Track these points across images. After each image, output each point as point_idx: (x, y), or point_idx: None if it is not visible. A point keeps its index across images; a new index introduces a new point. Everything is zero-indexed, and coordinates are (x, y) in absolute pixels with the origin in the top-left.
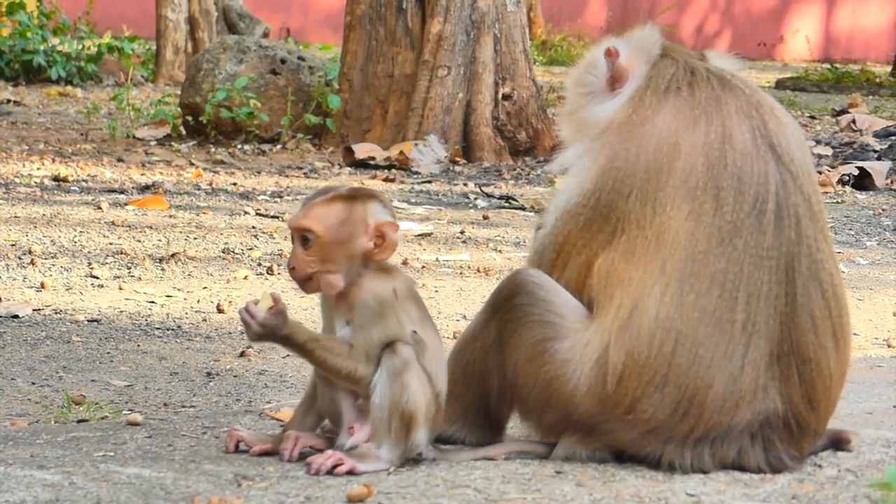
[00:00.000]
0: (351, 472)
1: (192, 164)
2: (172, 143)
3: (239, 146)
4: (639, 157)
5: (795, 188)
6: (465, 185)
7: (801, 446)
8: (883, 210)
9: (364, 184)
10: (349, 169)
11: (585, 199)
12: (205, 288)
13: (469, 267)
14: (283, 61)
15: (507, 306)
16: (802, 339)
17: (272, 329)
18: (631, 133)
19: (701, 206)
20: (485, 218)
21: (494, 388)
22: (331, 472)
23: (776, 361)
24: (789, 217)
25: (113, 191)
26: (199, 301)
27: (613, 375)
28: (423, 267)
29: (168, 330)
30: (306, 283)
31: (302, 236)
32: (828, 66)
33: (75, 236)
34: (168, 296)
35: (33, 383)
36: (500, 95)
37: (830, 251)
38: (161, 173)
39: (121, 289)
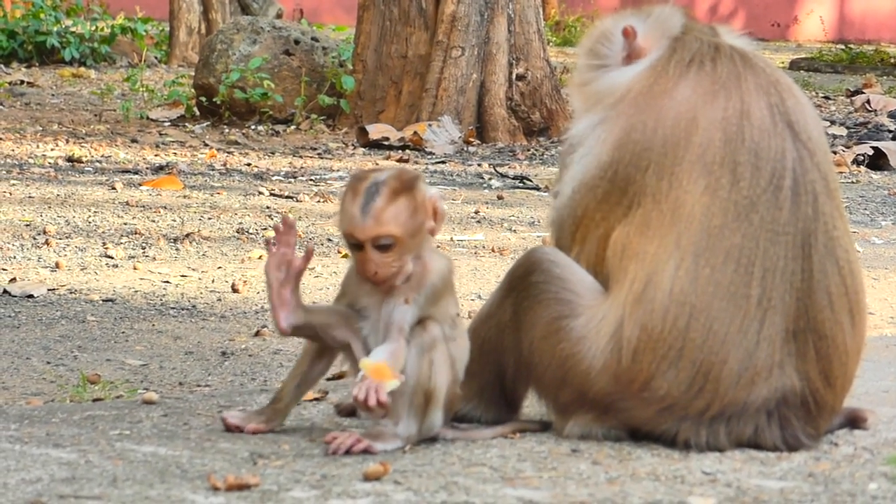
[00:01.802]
0: (367, 452)
1: (205, 144)
2: (186, 124)
3: (253, 127)
4: (656, 131)
5: (812, 165)
6: (479, 165)
7: (818, 424)
8: None
9: (378, 164)
10: (363, 149)
11: (602, 171)
12: (219, 268)
13: (484, 247)
14: (296, 42)
15: (523, 284)
16: (819, 315)
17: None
18: (648, 105)
19: (717, 181)
20: (499, 198)
21: (510, 367)
22: (348, 451)
23: (792, 338)
24: (806, 193)
25: (127, 171)
26: (213, 281)
27: (628, 350)
28: (438, 247)
29: (183, 310)
30: (387, 282)
31: (380, 243)
32: (842, 46)
33: (90, 216)
34: (183, 276)
35: (48, 362)
36: (514, 76)
37: (845, 228)
38: (175, 154)
39: (135, 269)
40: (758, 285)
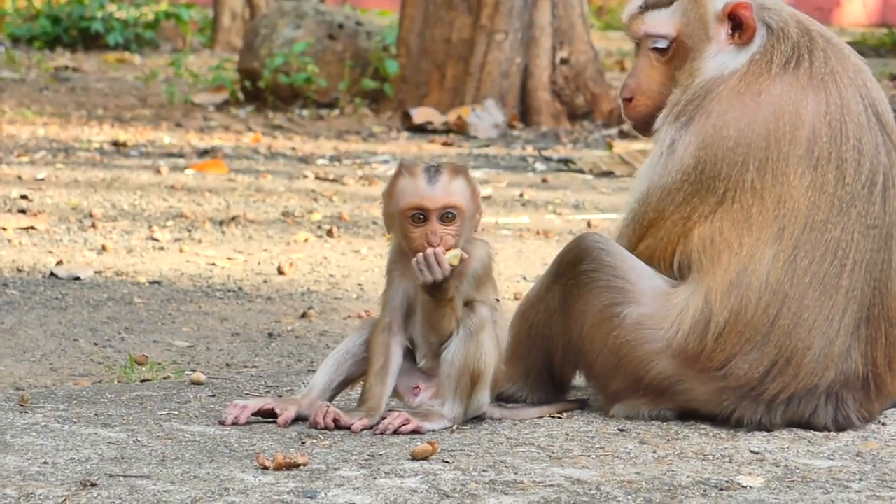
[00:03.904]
0: (416, 432)
1: (250, 128)
2: (230, 109)
3: (297, 111)
4: (752, 126)
5: None
6: (523, 148)
7: (874, 406)
8: None
9: (422, 148)
10: (407, 133)
11: (685, 174)
12: (265, 250)
13: (528, 229)
14: (340, 26)
15: (573, 272)
16: (893, 304)
17: (444, 279)
18: (741, 101)
19: (824, 177)
20: (543, 181)
21: (558, 351)
22: (397, 431)
23: (864, 324)
24: (894, 187)
25: (172, 155)
26: (259, 263)
27: (714, 332)
28: (483, 230)
29: (229, 291)
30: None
31: (446, 213)
32: (885, 30)
33: (135, 200)
34: (229, 258)
35: (96, 344)
36: (557, 60)
37: None
38: (220, 138)
39: (181, 251)
40: (848, 277)
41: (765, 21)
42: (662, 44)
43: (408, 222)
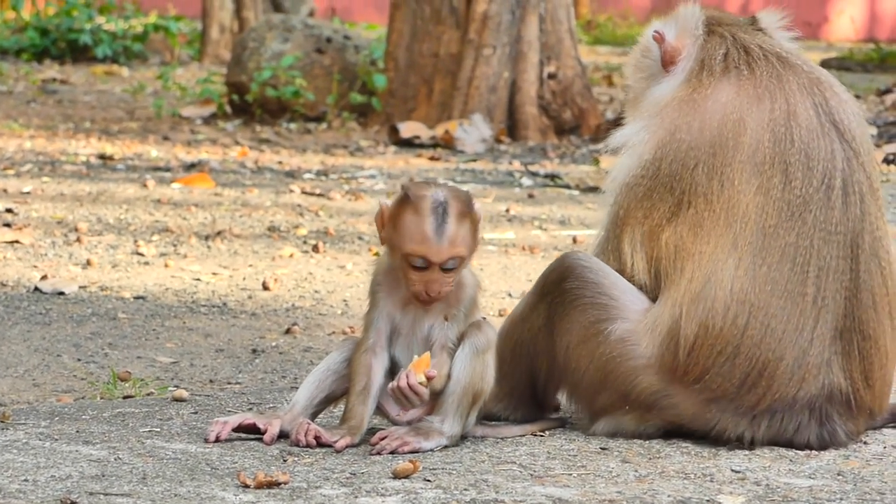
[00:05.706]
0: (415, 452)
1: (237, 142)
2: (218, 122)
3: (284, 125)
4: (702, 132)
5: (858, 165)
6: (510, 163)
7: (858, 423)
8: None
9: (409, 163)
10: (394, 147)
11: (644, 169)
12: (250, 265)
13: (514, 245)
14: (328, 40)
15: (557, 290)
16: (864, 315)
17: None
18: (692, 108)
19: (769, 181)
20: (530, 196)
21: (543, 369)
22: (394, 452)
23: (839, 337)
24: (854, 194)
25: (158, 169)
26: (244, 278)
27: (685, 346)
28: None
29: (214, 307)
30: (439, 300)
31: (449, 263)
32: (872, 45)
33: (121, 214)
34: (214, 273)
35: (79, 360)
36: (545, 74)
37: (886, 229)
38: (206, 152)
39: (167, 266)
40: (812, 284)
41: (690, 36)
42: None
43: (408, 265)
